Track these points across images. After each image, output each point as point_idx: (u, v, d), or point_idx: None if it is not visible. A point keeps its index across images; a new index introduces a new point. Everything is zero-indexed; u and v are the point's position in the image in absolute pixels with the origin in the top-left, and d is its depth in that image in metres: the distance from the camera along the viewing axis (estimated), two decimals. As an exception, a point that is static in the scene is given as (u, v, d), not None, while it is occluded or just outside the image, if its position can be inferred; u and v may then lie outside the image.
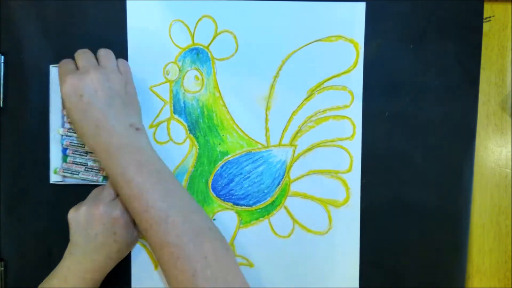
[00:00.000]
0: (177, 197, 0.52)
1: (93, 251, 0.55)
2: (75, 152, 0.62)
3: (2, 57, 0.62)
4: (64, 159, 0.62)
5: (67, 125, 0.61)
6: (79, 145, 0.61)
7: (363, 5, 0.60)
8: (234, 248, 0.63)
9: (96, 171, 0.62)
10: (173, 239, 0.49)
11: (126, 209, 0.55)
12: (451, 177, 0.62)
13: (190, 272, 0.48)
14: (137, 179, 0.50)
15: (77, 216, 0.56)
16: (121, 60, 0.59)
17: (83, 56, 0.56)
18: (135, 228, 0.59)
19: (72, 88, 0.52)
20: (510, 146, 0.63)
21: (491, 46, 0.63)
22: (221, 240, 0.52)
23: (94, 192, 0.59)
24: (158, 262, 0.51)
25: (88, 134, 0.53)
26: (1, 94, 0.62)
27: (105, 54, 0.58)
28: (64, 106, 0.54)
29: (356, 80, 0.61)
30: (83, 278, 0.56)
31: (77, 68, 0.56)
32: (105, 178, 0.62)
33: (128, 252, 0.62)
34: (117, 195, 0.57)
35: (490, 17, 0.63)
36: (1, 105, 0.62)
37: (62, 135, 0.61)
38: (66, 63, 0.56)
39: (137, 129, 0.54)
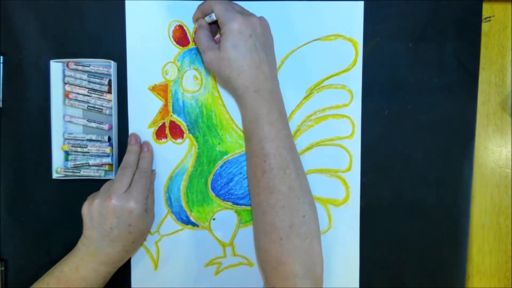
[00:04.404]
0: (295, 154, 0.55)
1: (108, 245, 0.56)
2: (76, 152, 0.62)
3: (2, 57, 0.62)
4: (66, 158, 0.62)
5: (69, 130, 0.62)
6: (79, 145, 0.61)
7: (361, 4, 0.60)
8: (234, 248, 0.63)
9: (98, 167, 0.62)
10: (284, 189, 0.53)
11: (140, 199, 0.56)
12: (451, 176, 0.62)
13: (288, 222, 0.52)
14: (277, 125, 0.54)
15: (90, 210, 0.56)
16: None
17: (237, 5, 0.58)
18: (148, 218, 0.59)
19: (243, 26, 0.53)
20: (510, 146, 0.63)
21: (491, 46, 0.63)
22: (315, 207, 0.56)
23: (106, 185, 0.59)
24: (258, 206, 0.55)
25: (246, 71, 0.54)
26: (0, 94, 0.62)
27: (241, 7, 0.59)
28: (221, 45, 0.55)
29: (355, 79, 0.61)
30: (96, 269, 0.56)
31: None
32: (107, 172, 0.62)
33: (143, 242, 0.63)
34: (129, 186, 0.57)
35: (490, 17, 0.63)
36: (1, 105, 0.62)
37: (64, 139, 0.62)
38: (225, 2, 0.56)
39: (278, 80, 0.58)
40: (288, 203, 0.52)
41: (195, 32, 0.59)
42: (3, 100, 0.62)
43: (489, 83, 0.63)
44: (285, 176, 0.53)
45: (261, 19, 0.56)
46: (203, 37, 0.56)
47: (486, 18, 0.63)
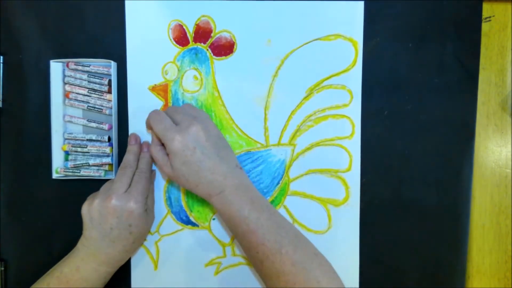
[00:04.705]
0: (285, 228, 0.54)
1: (108, 245, 0.56)
2: (76, 152, 0.62)
3: (2, 57, 0.62)
4: (66, 158, 0.62)
5: (68, 129, 0.62)
6: (79, 145, 0.61)
7: (361, 4, 0.60)
8: (234, 248, 0.63)
9: (98, 167, 0.62)
10: (288, 268, 0.51)
11: (140, 199, 0.56)
12: (451, 176, 0.62)
13: None
14: (252, 215, 0.53)
15: (90, 210, 0.56)
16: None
17: (177, 111, 0.57)
18: (148, 218, 0.59)
19: (184, 144, 0.53)
20: (510, 146, 0.63)
21: (491, 46, 0.63)
22: (328, 263, 0.54)
23: (106, 185, 0.59)
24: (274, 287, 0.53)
25: (203, 182, 0.54)
26: (0, 94, 0.62)
27: (188, 106, 0.59)
28: (171, 164, 0.55)
29: (355, 79, 0.61)
30: (96, 270, 0.56)
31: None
32: (107, 172, 0.62)
33: (143, 242, 0.63)
34: (129, 186, 0.57)
35: (490, 17, 0.63)
36: (1, 105, 0.62)
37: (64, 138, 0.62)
38: (162, 119, 0.56)
39: (240, 168, 0.57)
40: (297, 279, 0.51)
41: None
42: (3, 100, 0.62)
43: (489, 83, 0.63)
44: (282, 256, 0.52)
45: (201, 121, 0.55)
46: (156, 154, 0.57)
47: (486, 18, 0.62)
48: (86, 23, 0.62)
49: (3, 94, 0.62)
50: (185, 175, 0.54)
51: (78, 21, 0.62)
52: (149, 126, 0.59)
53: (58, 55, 0.61)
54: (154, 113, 0.57)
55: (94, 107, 0.61)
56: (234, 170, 0.56)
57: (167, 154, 0.55)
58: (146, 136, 0.62)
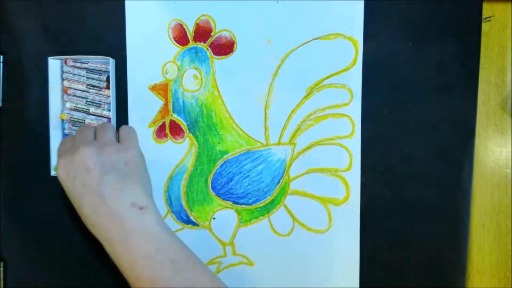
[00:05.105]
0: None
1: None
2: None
3: (1, 57, 0.62)
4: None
5: (67, 110, 0.62)
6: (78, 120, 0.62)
7: (361, 3, 0.60)
8: (234, 247, 0.63)
9: None
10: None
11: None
12: (451, 176, 0.62)
13: None
14: (147, 275, 0.43)
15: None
16: (124, 128, 0.57)
17: (78, 132, 0.52)
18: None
19: (65, 171, 0.47)
20: (510, 146, 0.63)
21: (491, 46, 0.63)
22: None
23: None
24: None
25: (88, 221, 0.47)
26: (0, 94, 0.62)
27: (101, 126, 0.54)
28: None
29: (355, 78, 0.61)
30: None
31: None
32: None
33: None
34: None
35: (490, 17, 0.63)
36: (1, 105, 0.62)
37: (63, 120, 0.62)
38: (64, 143, 0.51)
39: (141, 208, 0.48)
40: None
41: None
42: (3, 100, 0.62)
43: (489, 83, 0.63)
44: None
45: (102, 144, 0.49)
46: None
47: (486, 18, 0.63)
48: (86, 23, 0.62)
49: (3, 94, 0.62)
50: (77, 210, 0.47)
51: (78, 21, 0.62)
52: None
53: (58, 55, 0.61)
54: (66, 138, 0.53)
55: (93, 103, 0.61)
56: (127, 210, 0.46)
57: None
58: (146, 136, 0.62)
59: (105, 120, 0.61)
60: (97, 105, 0.61)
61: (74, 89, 0.61)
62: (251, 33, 0.61)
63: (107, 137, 0.52)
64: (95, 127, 0.57)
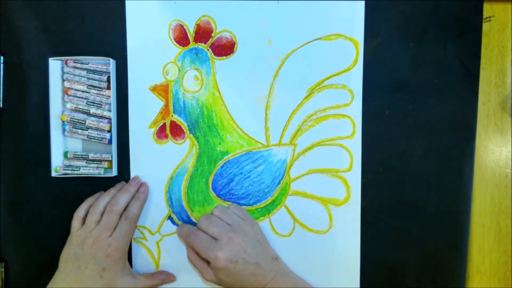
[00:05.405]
0: None
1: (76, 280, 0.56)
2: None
3: (2, 57, 0.62)
4: (65, 155, 0.62)
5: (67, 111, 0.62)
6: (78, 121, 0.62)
7: (362, 3, 0.60)
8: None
9: (98, 163, 0.62)
10: None
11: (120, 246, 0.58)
12: (451, 176, 0.62)
13: None
14: None
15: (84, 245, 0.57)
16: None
17: (211, 222, 0.58)
18: (125, 266, 0.60)
19: (227, 260, 0.55)
20: (510, 146, 0.63)
21: (491, 46, 0.63)
22: None
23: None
24: None
25: (246, 284, 0.56)
26: (1, 94, 0.62)
27: (220, 210, 0.59)
28: (213, 273, 0.57)
29: (356, 79, 0.61)
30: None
31: None
32: (107, 170, 0.62)
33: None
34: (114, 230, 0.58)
35: (490, 17, 0.63)
36: (1, 105, 0.62)
37: (64, 122, 0.62)
38: (201, 239, 0.57)
39: (276, 258, 0.60)
40: None
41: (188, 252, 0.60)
42: (3, 100, 0.62)
43: (489, 83, 0.63)
44: None
45: (237, 230, 0.57)
46: (194, 261, 0.58)
47: (486, 18, 0.63)
48: (86, 24, 0.62)
49: (3, 94, 0.62)
50: (228, 283, 0.56)
51: (78, 22, 0.62)
52: (182, 238, 0.60)
53: (59, 56, 0.61)
54: (188, 230, 0.58)
55: (94, 103, 0.61)
56: (271, 263, 0.58)
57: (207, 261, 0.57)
58: (146, 137, 0.62)
59: (105, 120, 0.61)
60: (98, 105, 0.61)
61: (75, 89, 0.61)
62: (252, 33, 0.61)
63: (240, 221, 0.59)
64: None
